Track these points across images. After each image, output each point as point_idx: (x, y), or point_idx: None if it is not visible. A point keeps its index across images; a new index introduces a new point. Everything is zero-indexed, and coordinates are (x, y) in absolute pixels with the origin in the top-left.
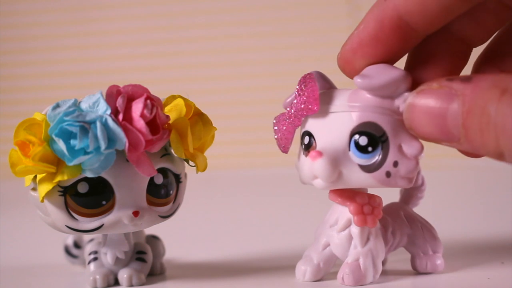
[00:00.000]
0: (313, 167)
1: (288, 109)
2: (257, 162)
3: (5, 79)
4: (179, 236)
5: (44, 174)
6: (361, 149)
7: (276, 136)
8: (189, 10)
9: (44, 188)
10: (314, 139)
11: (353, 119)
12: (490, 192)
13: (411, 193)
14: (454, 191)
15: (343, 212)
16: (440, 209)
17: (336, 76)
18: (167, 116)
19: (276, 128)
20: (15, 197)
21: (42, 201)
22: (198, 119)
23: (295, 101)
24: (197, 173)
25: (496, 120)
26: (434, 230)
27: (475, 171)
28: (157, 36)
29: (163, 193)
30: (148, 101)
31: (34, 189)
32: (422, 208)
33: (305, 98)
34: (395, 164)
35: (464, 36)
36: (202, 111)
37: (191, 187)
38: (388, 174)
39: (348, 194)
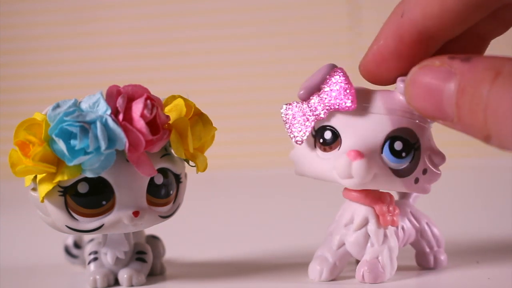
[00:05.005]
0: (352, 167)
1: (313, 100)
2: (257, 162)
3: (5, 79)
4: (179, 236)
5: (44, 174)
6: (395, 153)
7: (289, 127)
8: (189, 10)
9: (44, 188)
10: (339, 136)
11: (390, 123)
12: (490, 192)
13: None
14: (454, 191)
15: (358, 211)
16: (441, 209)
17: None
18: (167, 116)
19: (288, 117)
20: (15, 197)
21: (42, 201)
22: (198, 119)
23: (324, 94)
24: (197, 173)
25: (487, 101)
26: (437, 226)
27: (475, 171)
28: (157, 36)
29: (163, 193)
30: (148, 101)
31: (34, 189)
32: (422, 208)
33: (338, 93)
34: (424, 171)
35: (482, 31)
36: (202, 111)
37: (191, 187)
38: (416, 181)
39: (372, 195)
